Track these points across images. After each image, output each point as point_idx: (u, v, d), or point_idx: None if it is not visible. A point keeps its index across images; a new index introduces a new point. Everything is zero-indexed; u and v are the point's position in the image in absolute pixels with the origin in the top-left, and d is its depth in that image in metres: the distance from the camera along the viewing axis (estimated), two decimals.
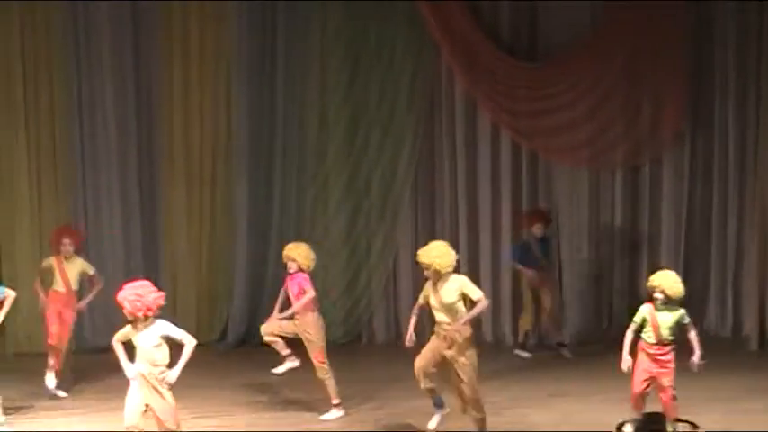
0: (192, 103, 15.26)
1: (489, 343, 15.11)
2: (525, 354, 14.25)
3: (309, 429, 10.85)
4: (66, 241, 12.48)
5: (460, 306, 9.84)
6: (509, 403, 11.56)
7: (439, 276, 9.79)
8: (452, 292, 9.78)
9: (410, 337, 10.08)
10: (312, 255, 11.22)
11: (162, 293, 8.99)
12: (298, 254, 11.12)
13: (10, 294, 10.88)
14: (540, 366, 13.63)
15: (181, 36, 15.14)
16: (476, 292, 9.83)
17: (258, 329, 11.57)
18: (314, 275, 15.00)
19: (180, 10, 15.09)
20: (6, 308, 10.86)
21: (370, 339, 15.48)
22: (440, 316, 9.87)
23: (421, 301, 10.09)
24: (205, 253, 15.38)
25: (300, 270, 11.12)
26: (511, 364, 13.84)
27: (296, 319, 11.17)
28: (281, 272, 14.94)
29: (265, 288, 14.97)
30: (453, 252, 9.90)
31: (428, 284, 9.97)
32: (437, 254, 9.78)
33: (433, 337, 10.00)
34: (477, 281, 14.98)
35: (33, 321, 13.41)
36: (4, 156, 14.76)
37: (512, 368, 13.54)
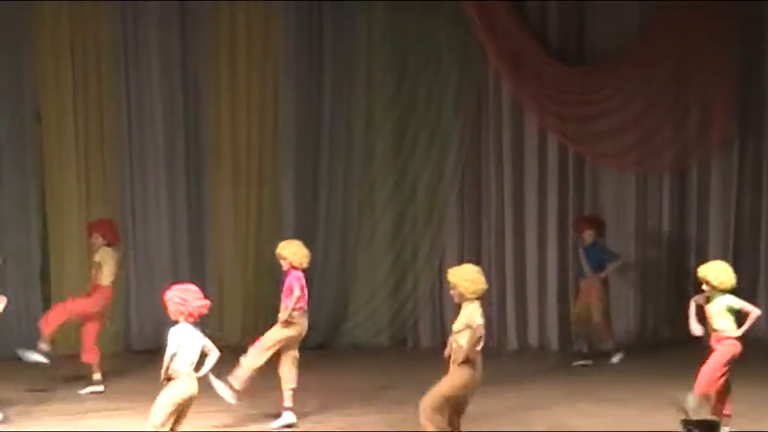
0: (240, 104, 15.34)
1: (534, 348, 15.12)
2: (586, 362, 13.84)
3: (339, 430, 10.83)
4: (94, 235, 12.50)
5: (463, 337, 8.93)
6: (547, 408, 11.46)
7: (462, 300, 9.03)
8: (460, 320, 9.02)
9: None
10: (304, 252, 10.73)
11: (207, 302, 8.83)
12: (288, 251, 10.71)
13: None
14: (580, 371, 13.57)
15: (228, 35, 15.25)
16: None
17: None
18: (356, 278, 15.28)
19: (227, 9, 15.20)
20: None
21: (415, 344, 15.47)
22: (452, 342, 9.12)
23: None
24: (252, 255, 15.44)
25: (293, 268, 10.72)
26: (552, 367, 13.87)
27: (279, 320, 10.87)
28: (326, 273, 15.15)
29: (311, 291, 14.97)
30: (483, 280, 9.09)
31: None
32: (465, 275, 9.01)
33: None
34: (522, 284, 15.16)
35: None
36: (54, 155, 14.91)
37: (553, 372, 13.54)
